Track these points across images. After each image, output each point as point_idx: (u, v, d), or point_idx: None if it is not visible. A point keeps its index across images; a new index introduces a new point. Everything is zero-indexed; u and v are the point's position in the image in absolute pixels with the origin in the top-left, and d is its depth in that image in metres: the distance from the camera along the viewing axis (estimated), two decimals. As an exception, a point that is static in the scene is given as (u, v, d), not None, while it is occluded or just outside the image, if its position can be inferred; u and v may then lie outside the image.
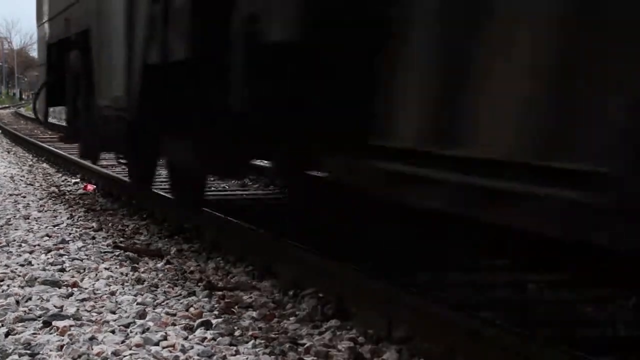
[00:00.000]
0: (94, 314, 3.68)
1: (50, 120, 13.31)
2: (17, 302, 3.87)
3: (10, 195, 8.15)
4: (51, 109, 9.03)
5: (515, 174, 2.32)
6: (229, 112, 3.91)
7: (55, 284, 4.23)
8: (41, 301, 3.89)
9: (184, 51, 4.22)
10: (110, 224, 6.31)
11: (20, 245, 5.35)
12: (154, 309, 3.78)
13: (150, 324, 3.52)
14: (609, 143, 2.01)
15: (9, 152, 14.77)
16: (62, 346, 3.21)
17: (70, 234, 5.83)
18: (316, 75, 3.44)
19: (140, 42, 4.91)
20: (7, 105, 52.48)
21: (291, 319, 3.65)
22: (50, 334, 3.40)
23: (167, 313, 3.71)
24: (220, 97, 3.96)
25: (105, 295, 4.01)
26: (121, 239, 5.66)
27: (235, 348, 3.23)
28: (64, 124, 10.79)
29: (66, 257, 4.95)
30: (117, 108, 5.54)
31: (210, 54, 4.10)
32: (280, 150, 4.06)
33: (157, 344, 3.27)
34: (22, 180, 9.65)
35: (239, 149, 4.36)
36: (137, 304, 3.85)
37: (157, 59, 4.62)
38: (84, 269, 4.60)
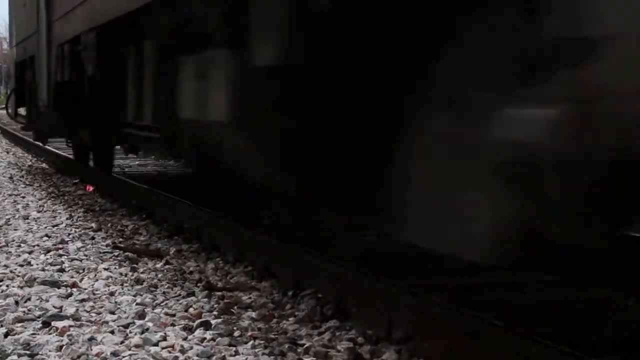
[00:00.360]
0: (93, 315, 3.68)
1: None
2: (17, 303, 3.86)
3: (10, 195, 8.15)
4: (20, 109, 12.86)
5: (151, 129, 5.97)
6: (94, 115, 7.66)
7: (55, 284, 4.22)
8: (40, 301, 3.88)
9: (69, 76, 7.61)
10: (109, 224, 6.31)
11: (19, 246, 5.35)
12: (153, 309, 3.77)
13: (150, 324, 3.51)
14: (159, 115, 5.18)
15: (8, 153, 14.76)
16: (61, 346, 3.20)
17: (69, 234, 5.83)
18: (106, 94, 6.84)
19: (52, 68, 8.43)
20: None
21: (290, 319, 3.64)
22: (50, 334, 3.40)
23: (166, 313, 3.70)
24: (87, 106, 7.52)
25: (105, 296, 4.01)
26: (120, 240, 5.66)
27: (234, 348, 3.23)
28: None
29: (65, 257, 4.94)
30: (45, 107, 8.93)
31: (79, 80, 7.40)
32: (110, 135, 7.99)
33: (156, 345, 3.26)
34: (21, 181, 9.65)
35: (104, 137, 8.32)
36: (137, 304, 3.84)
37: (60, 79, 8.03)
38: (83, 269, 4.60)
